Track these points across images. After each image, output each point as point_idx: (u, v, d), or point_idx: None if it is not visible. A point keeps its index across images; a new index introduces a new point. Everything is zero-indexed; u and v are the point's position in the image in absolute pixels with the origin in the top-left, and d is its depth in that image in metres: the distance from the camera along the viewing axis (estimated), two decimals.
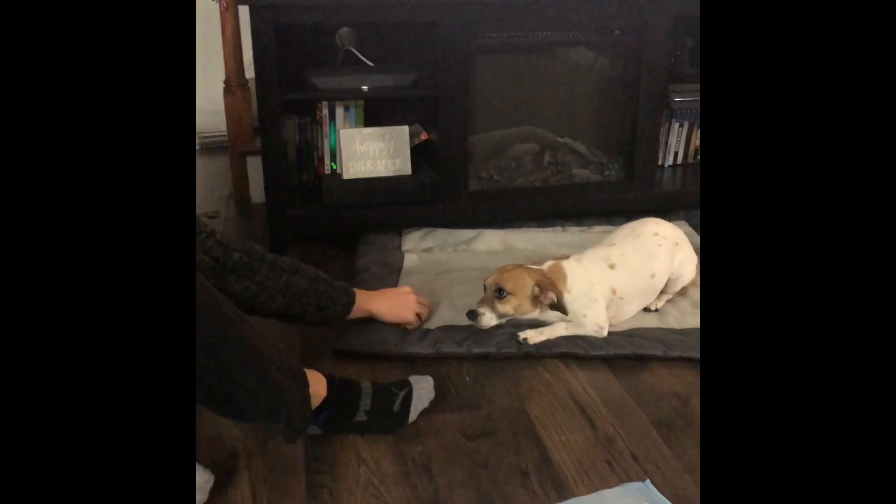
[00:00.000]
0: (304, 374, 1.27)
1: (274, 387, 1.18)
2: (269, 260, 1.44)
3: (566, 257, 1.70)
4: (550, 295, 1.61)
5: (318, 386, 1.32)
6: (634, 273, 1.71)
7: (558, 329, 1.66)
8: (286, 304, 1.47)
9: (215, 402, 1.17)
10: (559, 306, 1.61)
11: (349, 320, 1.62)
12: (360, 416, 1.36)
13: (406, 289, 1.72)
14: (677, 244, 1.79)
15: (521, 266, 1.65)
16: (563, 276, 1.65)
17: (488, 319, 1.61)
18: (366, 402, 1.36)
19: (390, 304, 1.67)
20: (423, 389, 1.43)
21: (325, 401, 1.33)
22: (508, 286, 1.61)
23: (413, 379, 1.45)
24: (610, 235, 1.82)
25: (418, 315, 1.69)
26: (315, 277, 1.52)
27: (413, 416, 1.40)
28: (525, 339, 1.63)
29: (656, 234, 1.77)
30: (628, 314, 1.75)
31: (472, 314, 1.62)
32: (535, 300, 1.62)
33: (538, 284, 1.61)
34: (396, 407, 1.39)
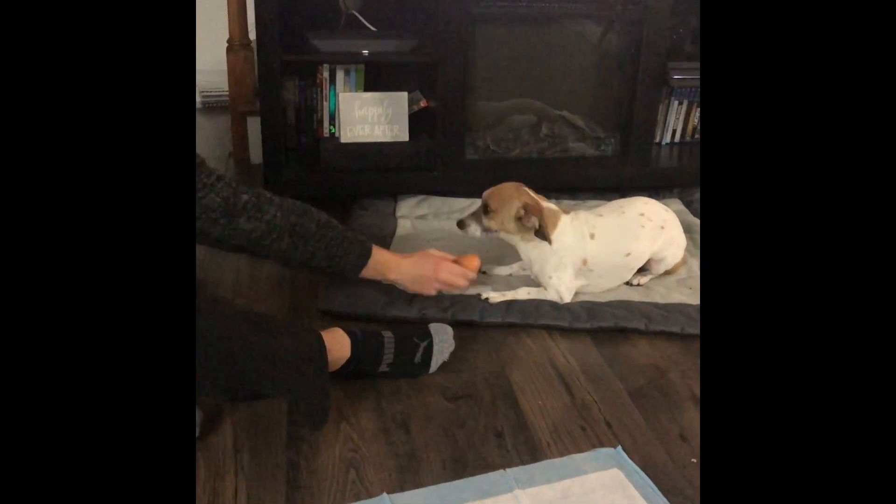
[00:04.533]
0: (324, 360, 1.30)
1: (291, 390, 1.24)
2: (276, 202, 1.42)
3: (566, 211, 1.71)
4: (534, 220, 1.62)
5: (341, 349, 1.38)
6: (610, 248, 1.72)
7: (520, 293, 1.71)
8: (293, 244, 1.44)
9: (234, 398, 1.28)
10: (541, 234, 1.62)
11: (361, 279, 1.57)
12: (383, 368, 1.43)
13: (437, 257, 1.63)
14: (663, 227, 1.77)
15: (516, 184, 1.68)
16: (556, 223, 1.66)
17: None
18: (388, 355, 1.42)
19: (413, 277, 1.61)
20: (443, 343, 1.48)
21: (349, 360, 1.39)
22: (494, 203, 1.65)
23: (433, 328, 1.49)
24: (600, 206, 1.84)
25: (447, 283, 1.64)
26: (326, 223, 1.49)
27: (433, 367, 1.46)
28: (486, 299, 1.68)
29: (642, 214, 1.76)
30: (599, 287, 1.77)
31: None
32: (519, 222, 1.64)
33: (525, 207, 1.63)
34: (418, 359, 1.44)
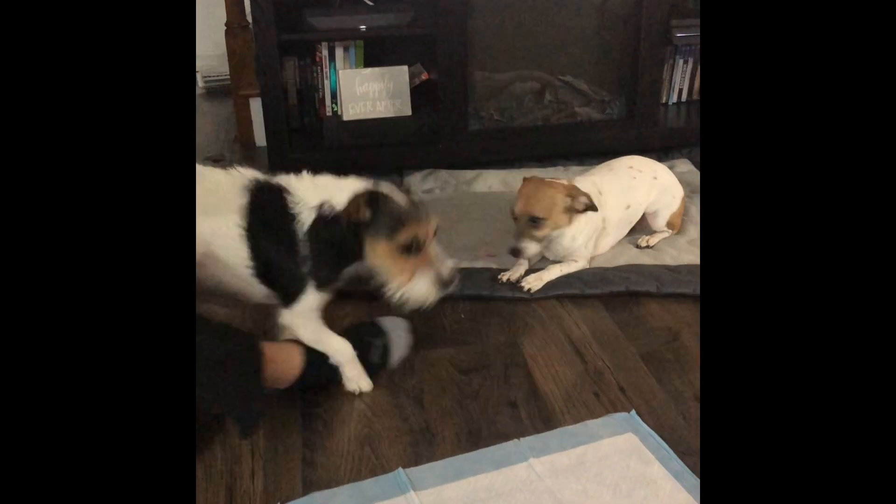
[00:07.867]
0: (255, 360, 1.22)
1: (218, 392, 1.18)
2: None
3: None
4: (582, 199, 1.59)
5: (291, 366, 1.30)
6: (616, 202, 1.74)
7: (553, 271, 1.68)
8: None
9: None
10: (592, 206, 1.59)
11: None
12: (340, 377, 1.35)
13: None
14: (655, 178, 1.80)
15: (543, 182, 1.61)
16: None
17: (532, 250, 1.61)
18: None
19: None
20: (399, 338, 1.41)
21: (303, 373, 1.31)
22: (540, 210, 1.58)
23: (387, 324, 1.42)
24: (585, 171, 1.83)
25: None
26: None
27: (394, 365, 1.41)
28: (529, 290, 1.63)
29: (631, 167, 1.80)
30: (606, 246, 1.78)
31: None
32: (568, 211, 1.60)
33: (569, 195, 1.59)
34: (375, 359, 1.38)
